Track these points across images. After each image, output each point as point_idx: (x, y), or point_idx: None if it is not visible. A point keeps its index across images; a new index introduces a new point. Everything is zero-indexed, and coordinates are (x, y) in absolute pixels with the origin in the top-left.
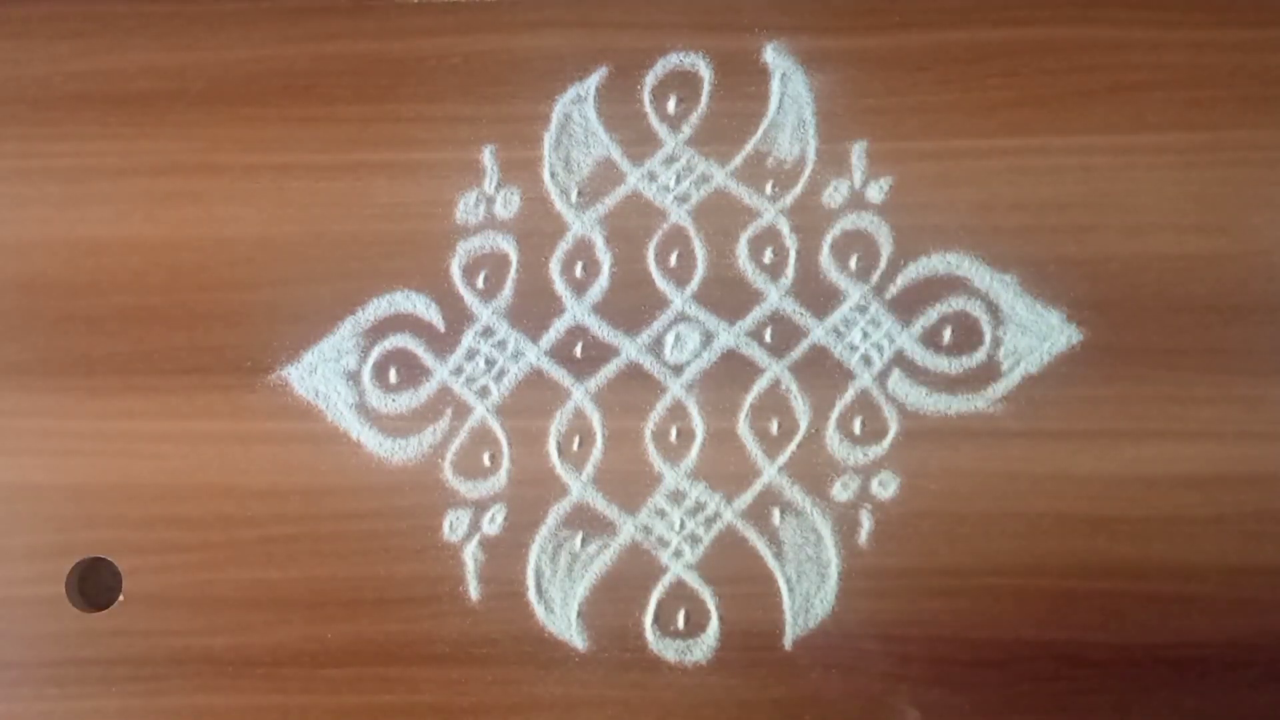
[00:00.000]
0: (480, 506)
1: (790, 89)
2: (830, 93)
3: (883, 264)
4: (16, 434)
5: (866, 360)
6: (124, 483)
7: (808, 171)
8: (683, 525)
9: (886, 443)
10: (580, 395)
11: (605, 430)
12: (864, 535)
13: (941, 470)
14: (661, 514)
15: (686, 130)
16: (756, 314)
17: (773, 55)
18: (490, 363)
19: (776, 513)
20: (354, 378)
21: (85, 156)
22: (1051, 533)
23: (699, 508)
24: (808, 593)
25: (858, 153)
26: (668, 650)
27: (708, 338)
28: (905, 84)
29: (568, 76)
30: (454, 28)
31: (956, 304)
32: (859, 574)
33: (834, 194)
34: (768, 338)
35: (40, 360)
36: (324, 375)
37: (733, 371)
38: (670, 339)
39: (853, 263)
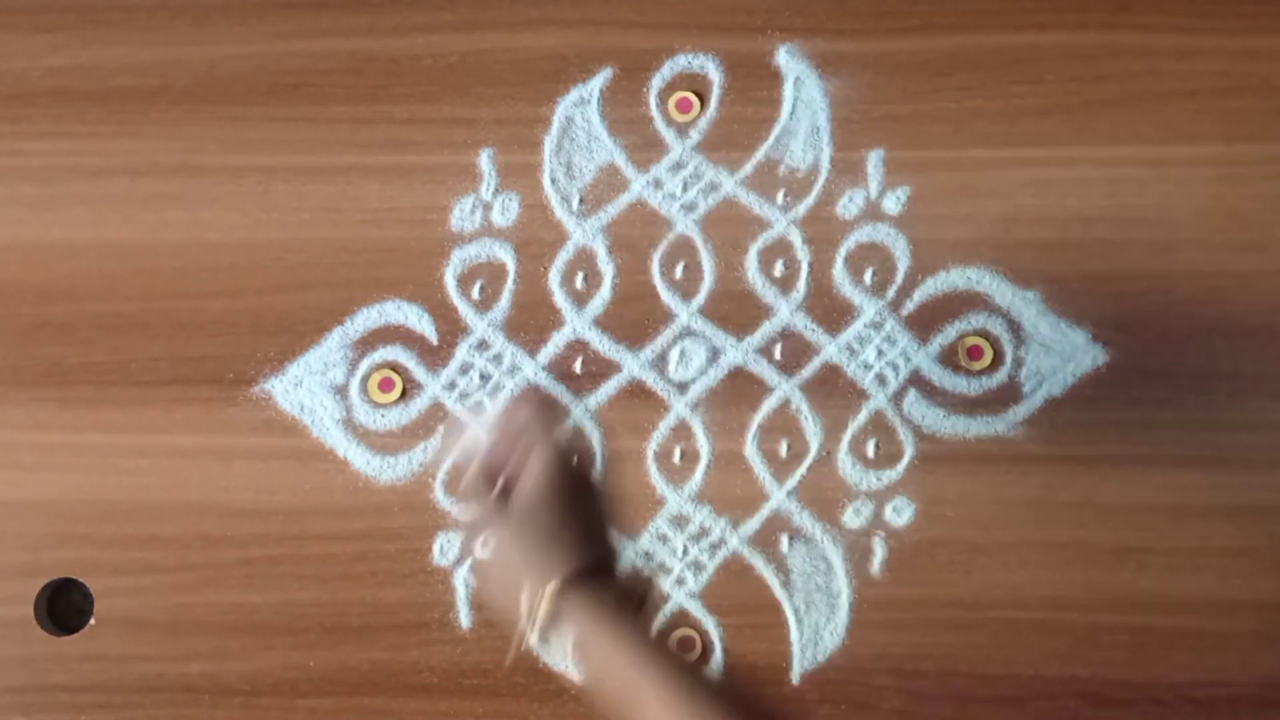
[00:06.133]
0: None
1: (804, 94)
2: (846, 98)
3: (899, 278)
4: None
5: (881, 380)
6: (97, 499)
7: (821, 181)
8: (686, 551)
9: (901, 467)
10: (579, 413)
11: (605, 450)
12: (877, 564)
13: (959, 496)
14: (664, 539)
15: (694, 136)
16: (766, 329)
17: (786, 58)
18: (485, 377)
19: (785, 539)
20: (341, 392)
21: (62, 155)
22: (1074, 564)
23: (703, 533)
24: (817, 624)
25: (874, 161)
26: None
27: (714, 354)
28: (925, 90)
29: (570, 78)
30: (451, 25)
31: (976, 322)
32: (871, 605)
33: (849, 204)
34: (777, 355)
35: (10, 369)
36: (309, 389)
37: (740, 390)
38: (675, 355)
39: (868, 277)
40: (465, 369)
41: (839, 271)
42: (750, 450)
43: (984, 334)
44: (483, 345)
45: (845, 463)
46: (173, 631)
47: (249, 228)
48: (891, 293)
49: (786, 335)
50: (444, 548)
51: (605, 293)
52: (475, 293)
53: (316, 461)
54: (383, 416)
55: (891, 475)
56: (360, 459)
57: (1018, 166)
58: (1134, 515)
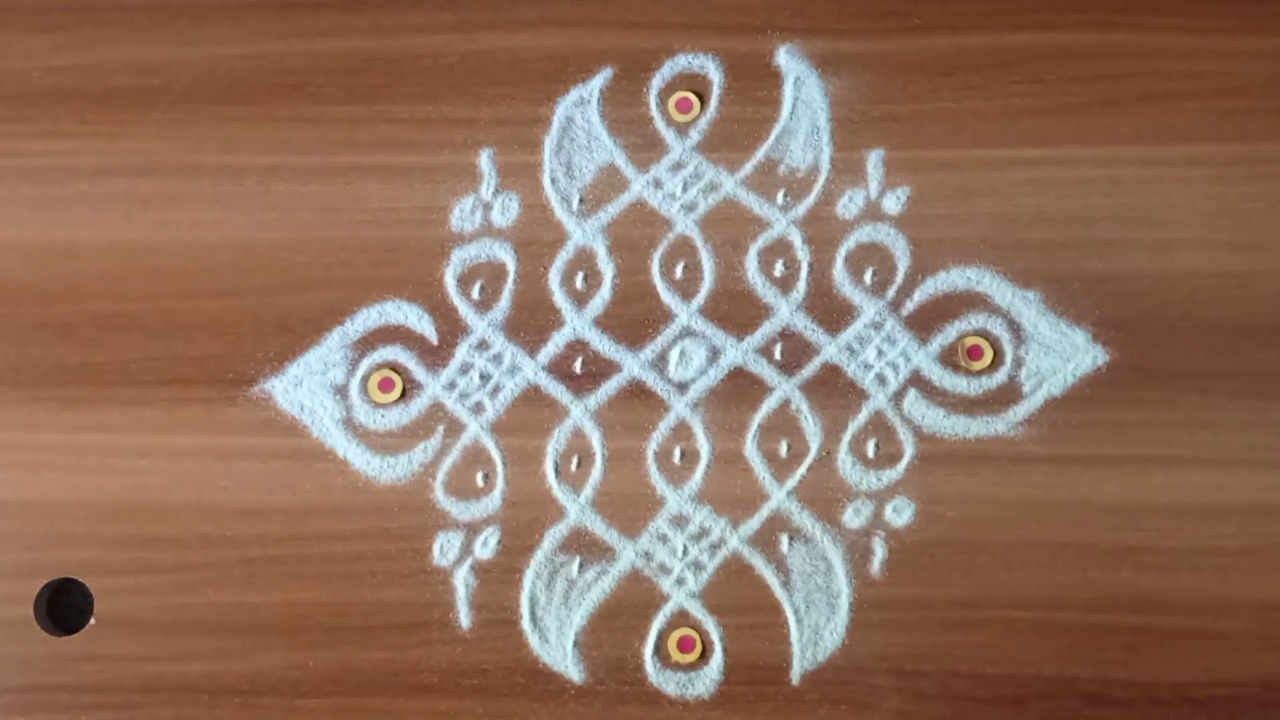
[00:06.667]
0: (473, 529)
1: (804, 94)
2: (846, 98)
3: (899, 278)
4: None
5: (881, 380)
6: (97, 499)
7: (821, 181)
8: (686, 551)
9: (901, 467)
10: (579, 413)
11: (605, 450)
12: (877, 564)
13: (959, 496)
14: (664, 539)
15: (694, 136)
16: (766, 329)
17: (786, 58)
18: (485, 378)
19: (785, 539)
20: (341, 392)
21: (62, 155)
22: (1074, 564)
23: (703, 533)
24: (817, 624)
25: (874, 161)
26: (668, 684)
27: (714, 354)
28: (924, 90)
29: (570, 78)
30: (451, 25)
31: (976, 322)
32: (871, 605)
33: (849, 204)
34: (777, 355)
35: (10, 369)
36: (309, 389)
37: (740, 390)
38: (675, 355)
39: (868, 277)
40: (465, 369)
41: (839, 271)
42: (750, 450)
43: (984, 334)
44: (483, 345)
45: (845, 463)
46: (172, 631)
47: (249, 228)
48: (891, 293)
49: (786, 335)
50: (444, 548)
51: (605, 293)
52: (475, 293)
53: (316, 461)
54: (383, 416)
55: (891, 475)
56: (360, 459)
57: (1017, 166)
58: (1134, 515)
